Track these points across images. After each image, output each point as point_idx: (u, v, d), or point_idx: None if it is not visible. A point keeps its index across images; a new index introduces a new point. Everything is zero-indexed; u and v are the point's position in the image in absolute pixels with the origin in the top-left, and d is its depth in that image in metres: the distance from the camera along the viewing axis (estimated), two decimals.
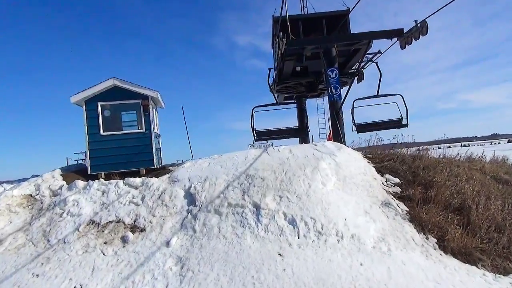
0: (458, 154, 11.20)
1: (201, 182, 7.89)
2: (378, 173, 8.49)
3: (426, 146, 10.81)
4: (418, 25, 10.18)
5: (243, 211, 6.86)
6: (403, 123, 13.38)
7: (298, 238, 6.17)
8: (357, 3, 11.85)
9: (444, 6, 8.63)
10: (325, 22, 13.45)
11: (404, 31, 11.18)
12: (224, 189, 7.53)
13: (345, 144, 10.96)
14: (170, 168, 10.02)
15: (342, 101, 12.60)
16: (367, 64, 14.69)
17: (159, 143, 11.51)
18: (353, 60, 14.22)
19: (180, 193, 7.77)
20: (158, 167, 10.33)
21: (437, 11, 8.94)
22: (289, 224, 6.45)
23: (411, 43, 10.73)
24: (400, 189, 7.89)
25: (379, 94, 13.64)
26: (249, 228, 6.48)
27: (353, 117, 13.50)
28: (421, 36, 10.18)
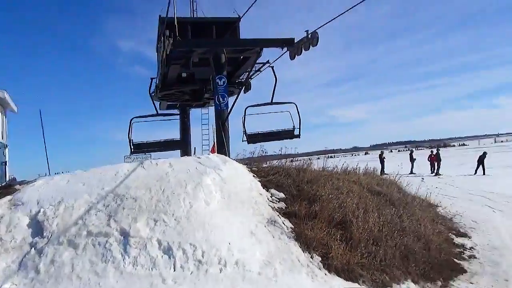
0: (336, 166, 11.74)
1: (54, 205, 6.29)
2: (263, 188, 8.12)
3: (309, 158, 11.01)
4: (309, 35, 10.29)
5: (107, 241, 5.58)
6: (295, 133, 12.83)
7: (174, 270, 5.21)
8: (247, 10, 11.62)
9: (333, 19, 8.91)
10: (215, 28, 12.85)
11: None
12: (84, 214, 6.10)
13: (229, 157, 10.45)
14: (17, 187, 7.97)
15: (229, 111, 12.11)
16: (255, 74, 14.61)
17: (4, 155, 9.19)
18: (242, 69, 13.94)
19: (23, 221, 6.04)
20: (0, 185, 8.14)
21: (326, 23, 9.20)
22: (164, 254, 5.44)
23: (300, 54, 10.83)
24: (285, 205, 7.61)
25: (273, 101, 12.85)
26: (113, 263, 5.25)
27: (244, 126, 12.41)
28: (311, 47, 10.31)
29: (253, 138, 12.38)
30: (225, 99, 11.62)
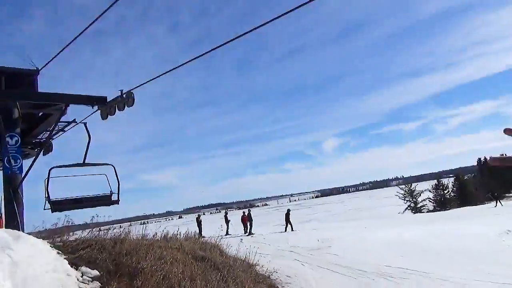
0: (155, 233, 11.11)
1: None
2: (72, 267, 6.77)
3: (127, 227, 10.04)
4: (124, 95, 9.80)
5: None
6: (113, 198, 10.93)
7: None
8: (47, 62, 10.39)
9: (144, 83, 8.85)
10: (4, 79, 10.66)
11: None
12: None
13: (23, 231, 8.40)
14: None
15: (23, 175, 9.95)
16: (58, 134, 12.79)
17: None
18: (41, 128, 11.97)
19: None
20: None
21: (144, 83, 9.03)
22: None
23: (114, 113, 10.15)
24: (100, 284, 6.51)
25: (85, 162, 10.73)
26: None
27: (47, 191, 9.56)
28: (126, 106, 9.83)
29: (59, 206, 9.80)
30: (19, 161, 9.58)
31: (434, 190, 43.99)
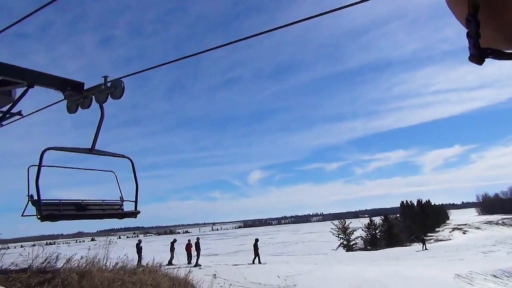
0: (96, 257, 8.74)
1: None
2: None
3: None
4: (109, 83, 7.46)
5: None
6: (125, 209, 8.11)
7: None
8: None
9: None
10: None
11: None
12: None
13: None
14: None
15: None
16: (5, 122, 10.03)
17: None
18: None
19: None
20: None
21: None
22: None
23: (88, 107, 7.93)
24: None
25: (95, 149, 6.18)
26: None
27: (37, 186, 4.72)
28: (111, 98, 7.64)
29: (54, 212, 5.10)
30: None
31: (366, 229, 45.39)
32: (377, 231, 45.22)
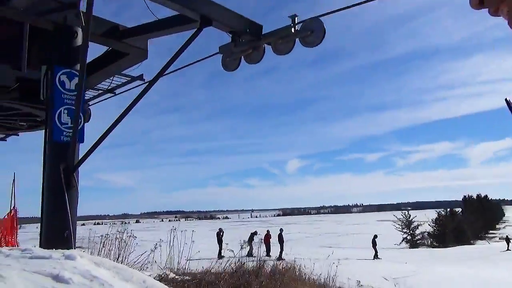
0: None
1: None
2: None
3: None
4: (300, 24, 5.66)
5: None
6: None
7: None
8: None
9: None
10: None
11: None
12: None
13: (74, 247, 4.40)
14: None
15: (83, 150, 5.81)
16: (105, 96, 8.81)
17: None
18: (96, 77, 7.74)
19: None
20: None
21: None
22: None
23: (259, 60, 6.13)
24: None
25: None
26: None
27: None
28: (304, 45, 5.70)
29: None
30: (80, 121, 5.38)
31: (434, 225, 41.92)
32: (446, 227, 41.32)
